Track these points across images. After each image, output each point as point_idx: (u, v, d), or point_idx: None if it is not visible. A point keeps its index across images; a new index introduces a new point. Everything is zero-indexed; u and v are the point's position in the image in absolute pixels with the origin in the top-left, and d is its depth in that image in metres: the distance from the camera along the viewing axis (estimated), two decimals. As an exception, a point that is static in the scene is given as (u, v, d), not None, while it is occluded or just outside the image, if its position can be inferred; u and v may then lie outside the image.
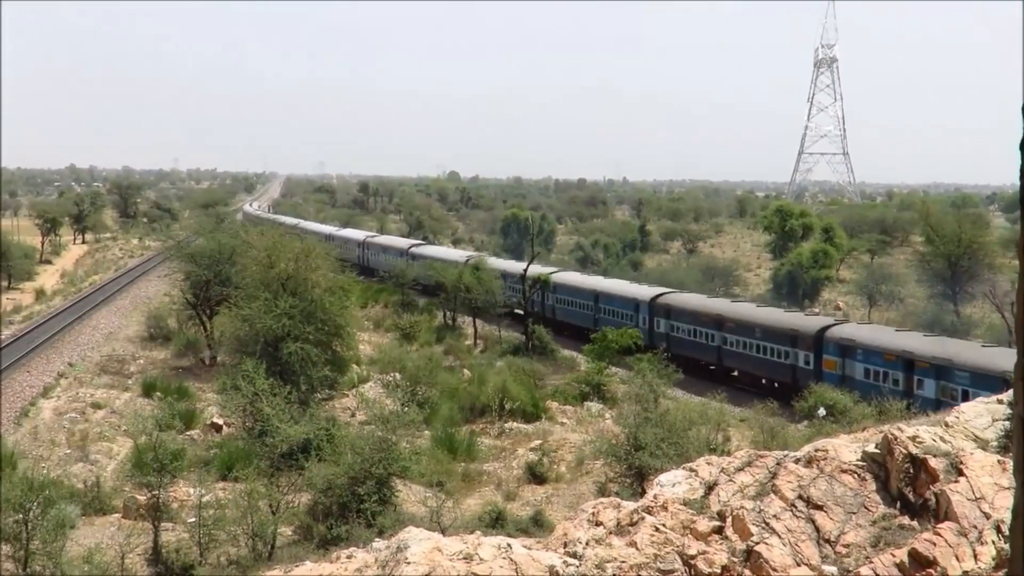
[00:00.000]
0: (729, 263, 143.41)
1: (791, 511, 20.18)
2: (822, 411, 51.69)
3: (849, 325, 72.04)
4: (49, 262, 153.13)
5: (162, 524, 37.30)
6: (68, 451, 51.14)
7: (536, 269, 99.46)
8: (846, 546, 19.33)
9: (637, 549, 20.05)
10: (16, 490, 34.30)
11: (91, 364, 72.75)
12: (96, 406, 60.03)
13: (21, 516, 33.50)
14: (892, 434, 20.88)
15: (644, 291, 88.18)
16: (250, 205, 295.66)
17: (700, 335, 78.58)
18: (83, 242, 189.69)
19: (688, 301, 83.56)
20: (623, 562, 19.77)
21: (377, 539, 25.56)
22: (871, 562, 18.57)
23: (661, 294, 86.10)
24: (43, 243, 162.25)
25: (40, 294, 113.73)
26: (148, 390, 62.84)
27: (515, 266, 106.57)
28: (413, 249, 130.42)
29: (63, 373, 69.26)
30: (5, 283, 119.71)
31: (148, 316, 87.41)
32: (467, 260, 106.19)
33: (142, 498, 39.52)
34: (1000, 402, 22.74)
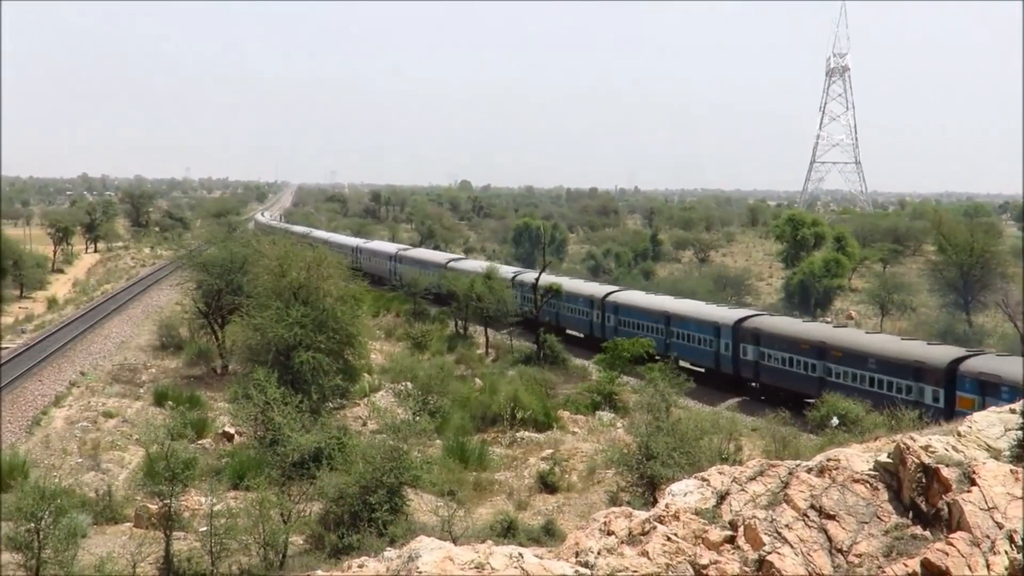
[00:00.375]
0: (741, 272, 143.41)
1: (803, 521, 20.16)
2: (835, 420, 51.54)
3: (989, 358, 64.72)
4: (61, 271, 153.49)
5: (174, 533, 37.31)
6: (80, 460, 51.23)
7: (601, 288, 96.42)
8: (858, 556, 19.31)
9: (649, 559, 20.05)
10: (28, 499, 34.40)
11: (103, 373, 72.86)
12: (108, 415, 60.12)
13: (33, 525, 33.62)
14: (904, 443, 20.85)
15: (726, 313, 79.57)
16: (262, 214, 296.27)
17: (798, 364, 69.02)
18: (95, 251, 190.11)
19: (782, 325, 74.77)
20: (635, 572, 19.76)
21: (388, 548, 25.55)
22: (884, 572, 18.54)
23: (747, 317, 77.66)
24: (55, 252, 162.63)
25: (52, 303, 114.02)
26: (160, 399, 62.92)
27: (582, 286, 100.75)
28: (452, 264, 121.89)
29: (75, 382, 69.38)
30: (17, 292, 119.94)
31: (160, 325, 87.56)
32: (514, 277, 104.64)
33: (154, 507, 39.56)
34: (1013, 412, 22.71)
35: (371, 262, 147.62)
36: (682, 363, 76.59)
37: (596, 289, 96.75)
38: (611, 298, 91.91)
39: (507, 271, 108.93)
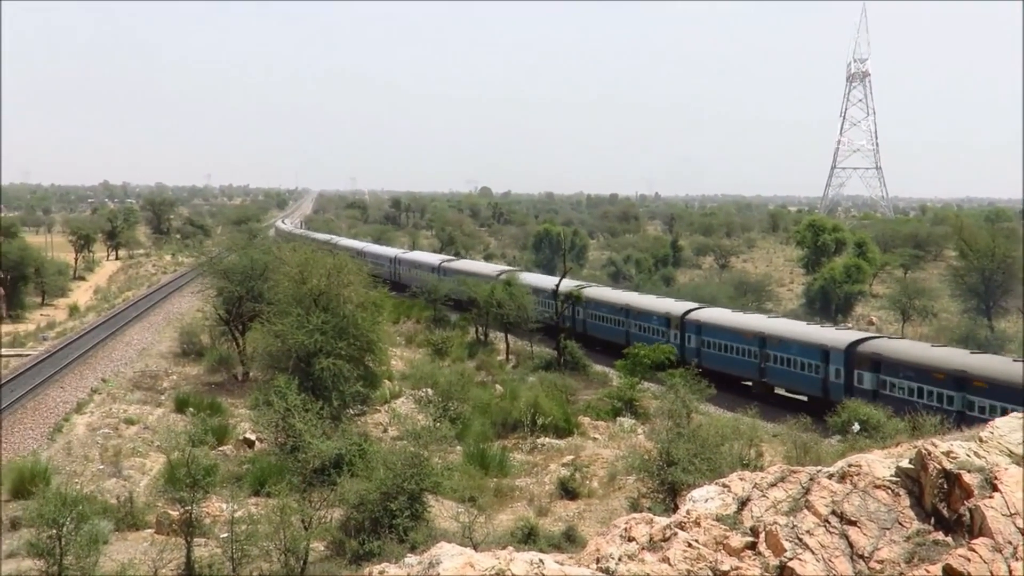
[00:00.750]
0: (762, 278, 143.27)
1: (824, 527, 20.12)
2: (856, 426, 51.39)
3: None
4: (82, 278, 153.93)
5: (195, 539, 37.39)
6: (101, 466, 51.35)
7: (679, 305, 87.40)
8: (880, 562, 19.27)
9: (670, 565, 20.04)
10: (50, 505, 34.51)
11: (124, 380, 73.08)
12: (129, 422, 60.27)
13: (55, 531, 33.73)
14: (926, 449, 20.80)
15: (837, 336, 70.71)
16: (282, 221, 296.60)
17: (932, 396, 60.31)
18: (116, 258, 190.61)
19: (911, 352, 65.25)
20: (656, 577, 19.74)
21: (409, 554, 25.57)
22: (906, 578, 18.50)
23: (864, 340, 68.32)
24: (76, 259, 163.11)
25: (74, 310, 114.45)
26: (181, 406, 63.06)
27: (655, 302, 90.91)
28: (503, 276, 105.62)
29: (96, 389, 69.59)
30: (39, 299, 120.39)
31: (181, 332, 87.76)
32: (563, 288, 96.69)
33: (175, 513, 39.64)
34: (1035, 417, 22.62)
35: (411, 273, 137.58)
36: (780, 391, 75.08)
37: (673, 306, 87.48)
38: (692, 316, 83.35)
39: (564, 284, 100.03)
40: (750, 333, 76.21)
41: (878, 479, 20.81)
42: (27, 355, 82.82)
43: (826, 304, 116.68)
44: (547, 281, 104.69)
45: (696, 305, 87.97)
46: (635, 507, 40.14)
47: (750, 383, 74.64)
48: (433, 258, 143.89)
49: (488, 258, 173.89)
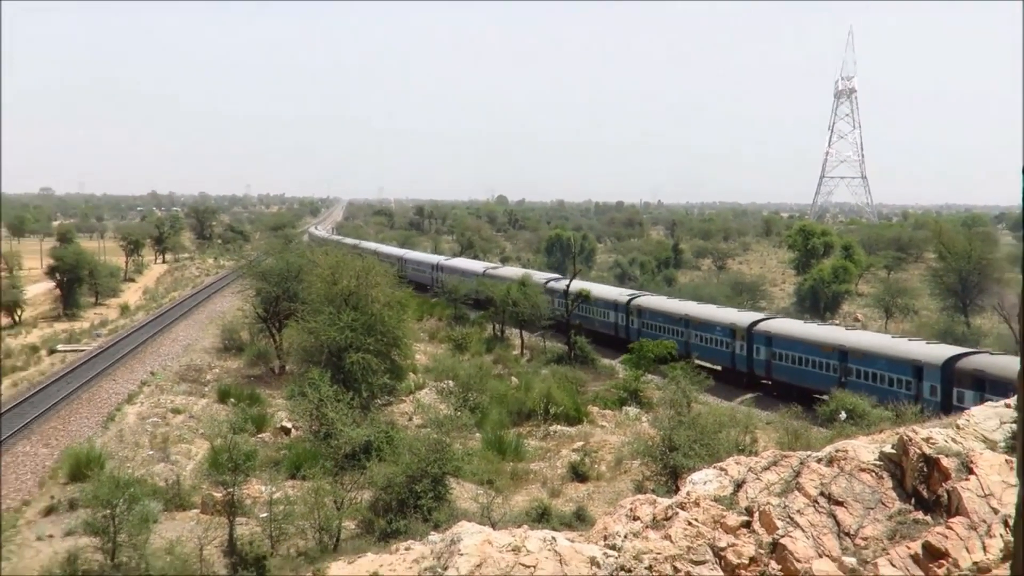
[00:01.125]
0: (756, 279, 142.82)
1: (814, 507, 20.16)
2: (843, 414, 51.27)
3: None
4: (132, 280, 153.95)
5: (237, 519, 37.49)
6: (151, 452, 51.43)
7: (744, 316, 77.70)
8: (864, 539, 19.30)
9: (671, 542, 20.08)
10: (104, 488, 34.67)
11: (171, 373, 73.14)
12: (176, 411, 60.36)
13: (108, 511, 33.85)
14: (907, 436, 20.83)
15: (932, 351, 60.54)
16: (315, 228, 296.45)
17: None
18: (163, 262, 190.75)
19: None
20: (658, 554, 19.79)
21: (433, 532, 25.65)
22: (888, 554, 18.53)
23: (963, 355, 58.41)
24: (127, 263, 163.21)
25: (124, 309, 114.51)
26: (223, 396, 63.11)
27: (717, 312, 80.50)
28: (552, 284, 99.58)
29: (145, 381, 69.70)
30: (92, 299, 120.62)
31: (223, 329, 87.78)
32: (629, 299, 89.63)
33: (218, 495, 39.77)
34: (1008, 406, 22.66)
35: (452, 279, 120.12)
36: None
37: (738, 316, 78.00)
38: (761, 327, 73.55)
39: (615, 292, 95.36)
40: (830, 345, 66.29)
41: (863, 463, 20.84)
42: (82, 350, 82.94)
43: (815, 303, 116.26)
44: (613, 293, 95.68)
45: (763, 316, 79.68)
46: (640, 489, 40.07)
47: (826, 397, 61.14)
48: (477, 265, 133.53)
49: (504, 260, 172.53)
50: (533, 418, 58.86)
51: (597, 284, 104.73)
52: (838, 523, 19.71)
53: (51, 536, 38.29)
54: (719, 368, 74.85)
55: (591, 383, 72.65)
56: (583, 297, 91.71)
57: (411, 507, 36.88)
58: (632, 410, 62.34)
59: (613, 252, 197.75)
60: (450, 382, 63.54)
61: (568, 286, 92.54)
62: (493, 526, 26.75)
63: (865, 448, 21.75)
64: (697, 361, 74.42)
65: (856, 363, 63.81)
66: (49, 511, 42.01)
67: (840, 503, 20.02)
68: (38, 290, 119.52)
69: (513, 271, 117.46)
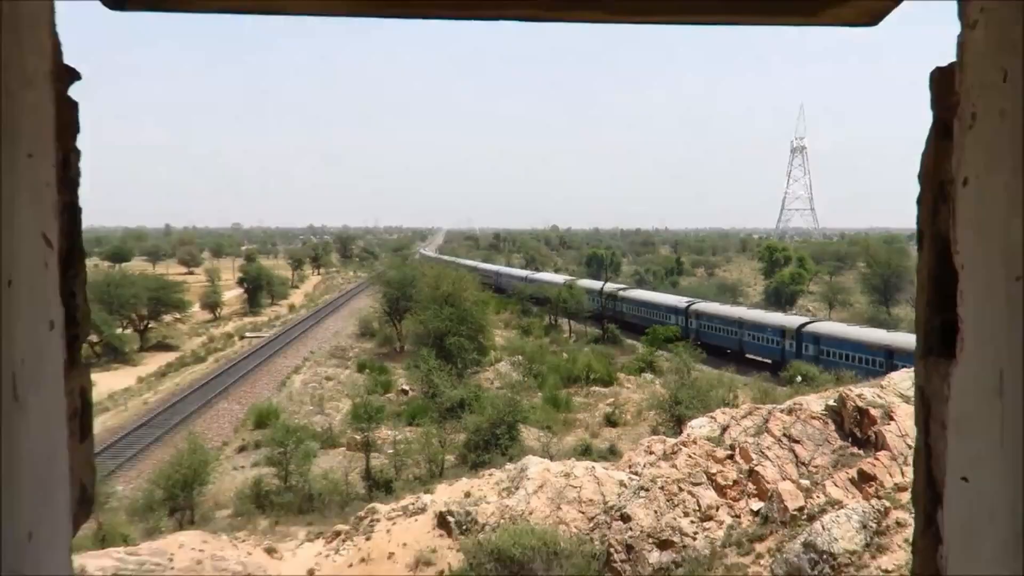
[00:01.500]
0: (735, 282, 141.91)
1: (779, 444, 20.03)
2: (799, 378, 50.74)
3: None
4: (297, 287, 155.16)
5: (371, 454, 37.84)
6: (311, 408, 51.94)
7: (794, 319, 67.90)
8: (815, 467, 19.15)
9: (677, 469, 20.04)
10: (279, 433, 35.26)
11: (324, 352, 73.74)
12: (328, 379, 60.84)
13: (282, 449, 34.35)
14: (845, 392, 20.67)
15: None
16: (423, 249, 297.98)
17: None
18: (318, 274, 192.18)
19: None
20: (667, 477, 19.76)
21: (508, 463, 25.74)
22: (832, 478, 18.38)
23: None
24: (292, 275, 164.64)
25: (292, 307, 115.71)
26: (360, 368, 63.46)
27: (775, 318, 69.84)
28: (693, 307, 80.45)
29: (307, 357, 70.29)
30: (269, 300, 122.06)
31: (360, 321, 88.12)
32: (687, 305, 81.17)
33: (358, 437, 40.16)
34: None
35: (543, 291, 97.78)
36: None
37: (786, 319, 68.53)
38: (808, 328, 63.66)
39: (674, 299, 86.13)
40: (878, 347, 55.80)
41: (814, 412, 20.68)
42: (262, 336, 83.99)
43: (779, 299, 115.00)
44: (673, 299, 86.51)
45: (809, 319, 69.71)
46: (654, 432, 39.86)
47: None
48: (522, 272, 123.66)
49: (558, 271, 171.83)
50: (578, 382, 58.72)
51: (657, 292, 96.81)
52: (796, 456, 19.57)
53: (243, 467, 38.82)
54: (769, 361, 64.97)
55: (619, 356, 72.35)
56: (647, 304, 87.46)
57: (493, 445, 37.00)
58: (648, 376, 62.01)
59: (634, 264, 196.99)
60: (519, 357, 63.53)
61: (602, 288, 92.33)
62: (551, 458, 26.82)
63: (815, 402, 21.58)
64: (748, 355, 68.32)
65: (902, 361, 49.50)
66: (241, 449, 42.57)
67: (798, 441, 19.87)
68: (232, 295, 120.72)
69: (549, 276, 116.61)
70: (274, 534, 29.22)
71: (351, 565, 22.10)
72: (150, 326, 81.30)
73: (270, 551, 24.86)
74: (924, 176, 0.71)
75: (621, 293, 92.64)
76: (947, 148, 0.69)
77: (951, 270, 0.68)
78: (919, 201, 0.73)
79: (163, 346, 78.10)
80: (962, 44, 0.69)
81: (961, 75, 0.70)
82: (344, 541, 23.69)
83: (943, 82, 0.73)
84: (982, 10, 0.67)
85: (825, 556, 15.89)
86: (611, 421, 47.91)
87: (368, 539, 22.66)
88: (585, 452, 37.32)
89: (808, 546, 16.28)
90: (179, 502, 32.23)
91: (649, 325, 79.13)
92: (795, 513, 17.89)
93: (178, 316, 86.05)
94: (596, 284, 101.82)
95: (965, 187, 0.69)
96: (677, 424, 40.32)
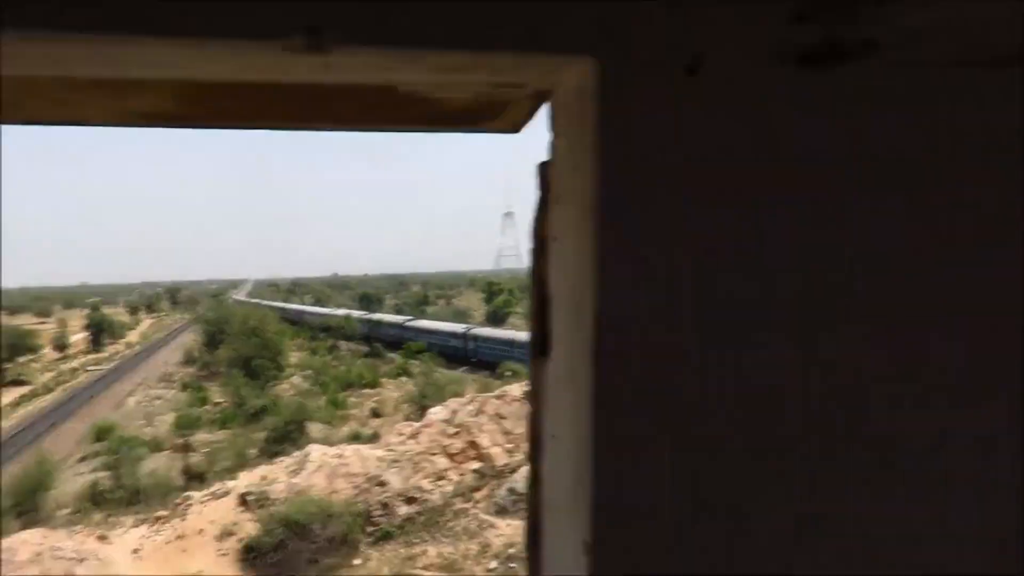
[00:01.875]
0: (466, 307, 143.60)
1: (491, 421, 20.12)
2: (509, 372, 50.96)
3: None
4: (133, 328, 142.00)
5: (190, 453, 34.96)
6: (142, 422, 46.64)
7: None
8: (518, 435, 19.37)
9: (419, 444, 19.72)
10: (114, 442, 32.32)
11: (155, 377, 67.04)
12: (158, 398, 55.20)
13: (116, 455, 31.09)
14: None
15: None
16: (236, 295, 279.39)
17: None
18: (152, 318, 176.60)
19: None
20: (413, 451, 19.37)
21: (296, 451, 24.38)
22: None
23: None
24: (130, 319, 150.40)
25: (129, 344, 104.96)
26: (184, 388, 57.87)
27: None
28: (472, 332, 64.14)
29: (140, 383, 63.93)
30: (110, 341, 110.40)
31: (184, 351, 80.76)
32: None
33: (180, 441, 36.72)
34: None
35: None
36: None
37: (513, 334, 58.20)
38: (474, 332, 59.91)
39: None
40: (514, 341, 52.35)
41: (515, 396, 20.95)
42: (103, 369, 75.64)
43: (496, 318, 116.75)
44: (455, 326, 69.89)
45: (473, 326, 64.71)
46: (406, 419, 39.26)
47: None
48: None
49: (339, 307, 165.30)
50: (352, 387, 56.51)
51: (441, 321, 78.75)
52: (504, 428, 19.70)
53: (83, 473, 34.32)
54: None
55: (383, 366, 69.92)
56: (432, 332, 69.54)
57: (287, 439, 34.77)
58: (404, 379, 60.71)
59: (395, 299, 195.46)
60: (309, 371, 60.50)
61: (379, 319, 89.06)
62: (330, 446, 25.59)
63: (517, 388, 21.89)
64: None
65: None
66: (83, 459, 37.41)
67: (505, 418, 20.01)
68: (78, 337, 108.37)
69: (331, 310, 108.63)
70: (107, 525, 26.06)
71: (168, 542, 20.58)
72: (6, 367, 71.12)
73: (102, 538, 22.31)
74: (534, 234, 0.92)
75: (408, 323, 78.87)
76: (546, 216, 0.90)
77: (547, 299, 0.93)
78: (532, 251, 0.93)
79: (18, 382, 68.61)
80: (553, 146, 0.93)
81: (552, 167, 0.92)
82: (164, 524, 21.84)
83: (544, 171, 0.94)
84: (563, 128, 0.94)
85: (522, 495, 16.07)
86: (376, 414, 46.79)
87: (183, 520, 21.05)
88: (355, 438, 36.09)
89: (511, 491, 16.53)
90: (26, 506, 28.44)
91: (437, 349, 69.29)
92: (502, 468, 18.02)
93: (31, 357, 76.31)
94: (374, 316, 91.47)
95: (555, 242, 0.93)
96: (423, 412, 39.95)
